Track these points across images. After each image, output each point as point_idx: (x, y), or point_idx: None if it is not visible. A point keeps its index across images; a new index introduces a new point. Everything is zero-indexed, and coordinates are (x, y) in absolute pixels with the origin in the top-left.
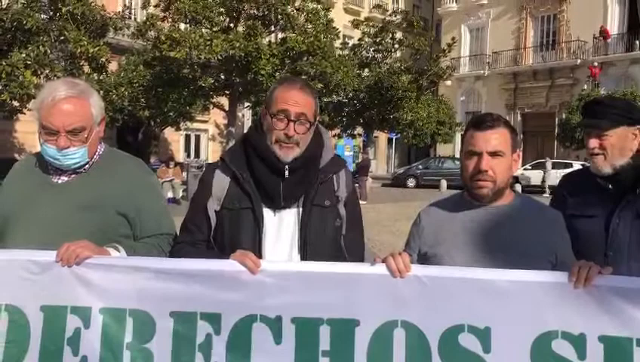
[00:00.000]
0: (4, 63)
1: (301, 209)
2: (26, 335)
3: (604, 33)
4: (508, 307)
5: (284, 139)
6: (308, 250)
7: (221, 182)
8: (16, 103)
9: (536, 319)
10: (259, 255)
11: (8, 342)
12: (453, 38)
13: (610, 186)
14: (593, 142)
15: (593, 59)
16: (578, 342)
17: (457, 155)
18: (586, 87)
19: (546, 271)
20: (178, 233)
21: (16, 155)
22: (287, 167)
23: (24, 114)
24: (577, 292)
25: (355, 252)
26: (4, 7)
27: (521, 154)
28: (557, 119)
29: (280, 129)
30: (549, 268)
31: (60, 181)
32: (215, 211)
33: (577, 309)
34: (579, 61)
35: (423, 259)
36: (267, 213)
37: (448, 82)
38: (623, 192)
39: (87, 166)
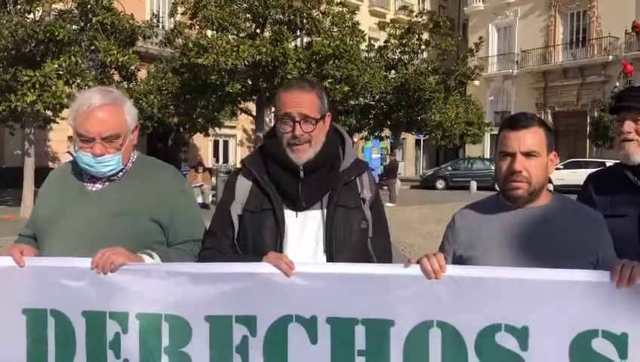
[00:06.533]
0: (37, 74)
1: (325, 210)
2: (73, 339)
3: (636, 28)
4: (546, 306)
5: (293, 141)
6: (334, 251)
7: (243, 186)
8: (49, 113)
9: (575, 318)
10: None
11: (58, 346)
12: (480, 38)
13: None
14: (628, 126)
15: (626, 55)
16: (620, 342)
17: (487, 156)
18: (618, 84)
19: (586, 271)
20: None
21: (50, 164)
22: (301, 167)
23: (57, 123)
24: (619, 292)
25: (384, 256)
26: (37, 19)
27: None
28: (589, 118)
29: (287, 132)
30: (590, 269)
31: (94, 188)
32: (238, 215)
33: (619, 308)
34: (610, 58)
35: (459, 261)
36: (289, 214)
37: (476, 82)
38: None
39: (120, 173)
